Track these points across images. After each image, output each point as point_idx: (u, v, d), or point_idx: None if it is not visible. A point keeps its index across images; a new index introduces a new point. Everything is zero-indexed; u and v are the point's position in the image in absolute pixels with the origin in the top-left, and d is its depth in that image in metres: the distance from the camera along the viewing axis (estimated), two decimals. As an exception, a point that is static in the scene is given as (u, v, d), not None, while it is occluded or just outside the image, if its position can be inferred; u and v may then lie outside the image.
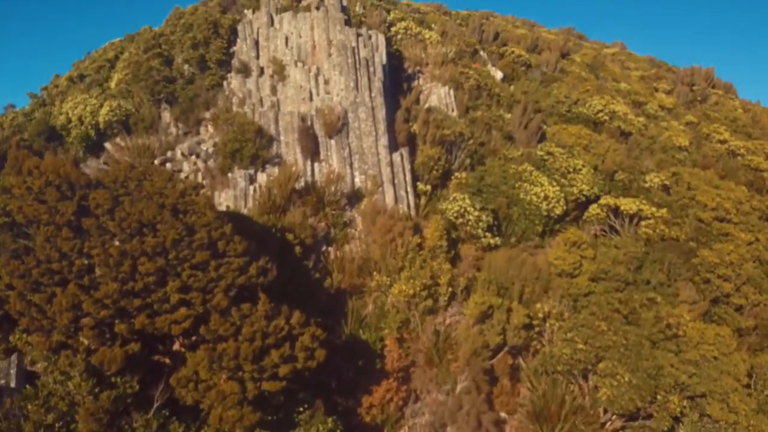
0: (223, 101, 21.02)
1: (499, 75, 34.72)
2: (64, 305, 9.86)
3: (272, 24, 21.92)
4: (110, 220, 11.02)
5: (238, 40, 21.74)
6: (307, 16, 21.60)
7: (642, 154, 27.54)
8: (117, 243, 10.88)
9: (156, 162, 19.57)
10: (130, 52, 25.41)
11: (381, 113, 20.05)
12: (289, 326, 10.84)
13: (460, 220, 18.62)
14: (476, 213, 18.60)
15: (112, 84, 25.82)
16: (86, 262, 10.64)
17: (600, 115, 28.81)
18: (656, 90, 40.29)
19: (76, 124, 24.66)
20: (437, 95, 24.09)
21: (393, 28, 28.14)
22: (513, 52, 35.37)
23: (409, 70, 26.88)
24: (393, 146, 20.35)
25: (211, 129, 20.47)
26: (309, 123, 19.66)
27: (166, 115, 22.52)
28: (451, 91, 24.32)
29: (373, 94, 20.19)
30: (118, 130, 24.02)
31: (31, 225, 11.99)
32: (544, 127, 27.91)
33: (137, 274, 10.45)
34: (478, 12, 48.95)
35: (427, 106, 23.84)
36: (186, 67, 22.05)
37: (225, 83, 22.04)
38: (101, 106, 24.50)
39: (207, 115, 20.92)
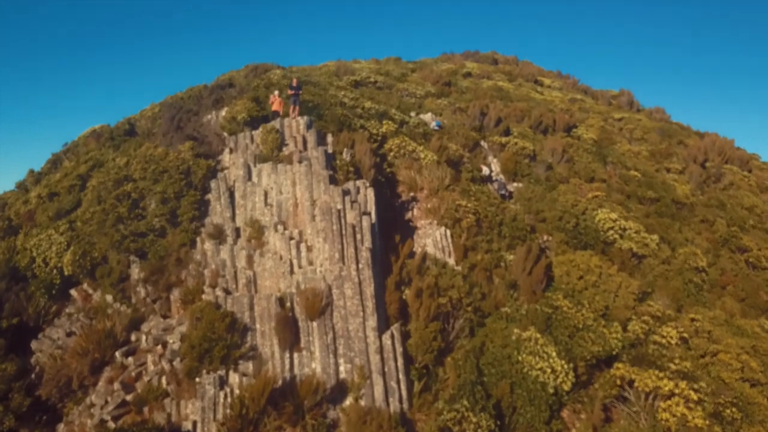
0: (195, 274, 18.96)
1: (497, 167, 32.77)
2: None
3: (250, 178, 19.87)
4: None
5: (212, 199, 19.71)
6: (289, 170, 19.54)
7: (656, 281, 25.41)
8: None
9: (117, 355, 17.53)
10: (99, 182, 23.43)
11: (369, 288, 17.99)
12: None
13: (457, 428, 16.54)
14: (475, 419, 16.52)
15: (81, 214, 23.84)
16: None
17: (610, 233, 26.70)
18: (668, 171, 38.11)
19: (40, 265, 22.75)
20: (432, 238, 22.01)
21: (386, 145, 26.11)
22: (516, 143, 33.26)
23: (403, 196, 24.82)
24: (383, 324, 18.29)
25: (180, 310, 18.40)
26: (289, 305, 17.62)
27: (135, 270, 20.50)
28: (448, 233, 22.24)
29: (360, 266, 18.14)
30: (84, 275, 22.11)
31: None
32: (550, 254, 25.86)
33: None
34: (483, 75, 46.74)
35: (421, 251, 21.78)
36: (156, 220, 20.02)
37: (199, 240, 19.98)
38: (68, 246, 22.61)
39: (176, 293, 18.86)
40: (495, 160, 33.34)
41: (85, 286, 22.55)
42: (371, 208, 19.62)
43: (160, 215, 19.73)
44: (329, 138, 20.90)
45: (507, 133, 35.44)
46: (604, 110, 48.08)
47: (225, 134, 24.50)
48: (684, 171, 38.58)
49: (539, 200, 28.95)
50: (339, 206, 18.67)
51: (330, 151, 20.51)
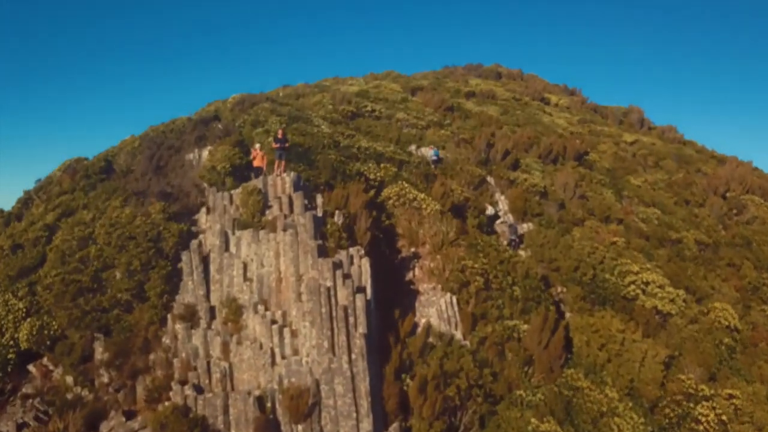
0: (163, 362, 16.43)
1: (506, 206, 30.30)
2: None
3: (227, 247, 17.36)
4: None
5: (184, 273, 17.19)
6: (272, 239, 17.02)
7: (684, 344, 22.86)
8: None
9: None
10: (63, 239, 20.91)
11: (364, 384, 15.49)
12: None
13: None
14: None
15: (44, 276, 21.31)
16: None
17: (631, 288, 24.19)
18: (687, 203, 35.56)
19: (-4, 336, 20.24)
20: (437, 308, 19.49)
21: (385, 191, 23.60)
22: (525, 180, 30.73)
23: (403, 251, 22.32)
24: (380, 424, 15.77)
25: (145, 409, 15.89)
26: (270, 405, 15.11)
27: (99, 349, 17.98)
28: (454, 300, 19.72)
29: (353, 356, 15.63)
30: (44, 349, 19.62)
31: None
32: (566, 313, 23.37)
33: None
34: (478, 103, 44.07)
35: (425, 323, 19.26)
36: (121, 294, 17.52)
37: (170, 318, 17.45)
38: (27, 314, 20.13)
39: (141, 387, 16.34)
40: (503, 198, 30.82)
41: (45, 360, 20.06)
42: (366, 281, 17.10)
43: (125, 290, 17.23)
44: (319, 200, 18.41)
45: (515, 166, 32.94)
46: (615, 132, 45.52)
47: (204, 184, 22.02)
48: (704, 203, 36.04)
49: (552, 247, 26.42)
50: (329, 283, 16.16)
51: (320, 214, 18.00)
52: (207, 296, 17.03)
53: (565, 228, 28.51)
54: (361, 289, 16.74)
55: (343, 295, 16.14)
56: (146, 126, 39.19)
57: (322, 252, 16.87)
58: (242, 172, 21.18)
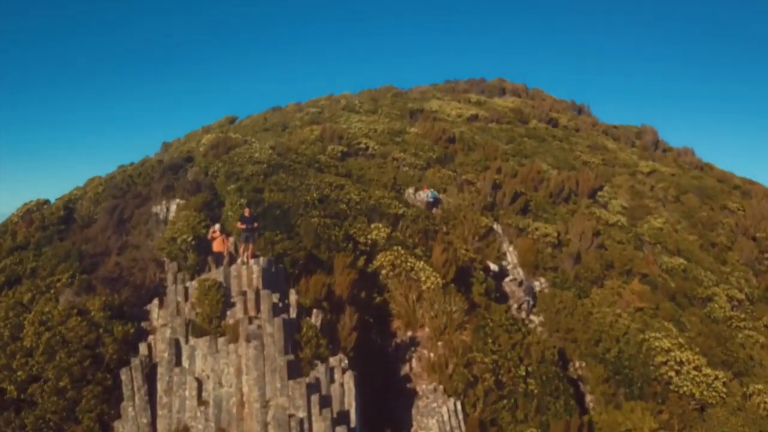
0: None
1: (515, 258, 27.06)
2: None
3: (179, 361, 14.07)
4: None
5: (125, 397, 13.89)
6: (233, 351, 13.73)
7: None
8: None
9: None
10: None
11: None
12: None
13: None
14: None
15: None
16: None
17: (663, 369, 20.90)
18: (713, 246, 32.27)
19: None
20: (438, 418, 16.19)
21: (377, 259, 20.31)
22: (537, 229, 27.44)
23: (398, 335, 19.03)
24: None
25: None
26: None
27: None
28: (458, 406, 16.43)
29: None
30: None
31: None
32: (588, 400, 20.12)
33: None
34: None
35: (422, 437, 15.96)
36: (50, 415, 14.21)
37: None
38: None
39: None
40: (512, 248, 27.54)
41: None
42: (350, 403, 13.81)
43: (53, 412, 13.95)
44: (293, 296, 15.10)
45: (525, 209, 29.63)
46: (630, 160, 42.15)
47: (164, 258, 18.75)
48: (732, 246, 32.74)
49: (569, 314, 23.15)
50: (302, 413, 12.88)
51: (293, 314, 14.72)
52: (152, 424, 13.72)
53: (582, 288, 25.23)
54: (343, 417, 13.45)
55: (319, 428, 12.85)
56: (126, 157, 35.81)
57: (295, 369, 13.56)
58: (209, 244, 17.89)
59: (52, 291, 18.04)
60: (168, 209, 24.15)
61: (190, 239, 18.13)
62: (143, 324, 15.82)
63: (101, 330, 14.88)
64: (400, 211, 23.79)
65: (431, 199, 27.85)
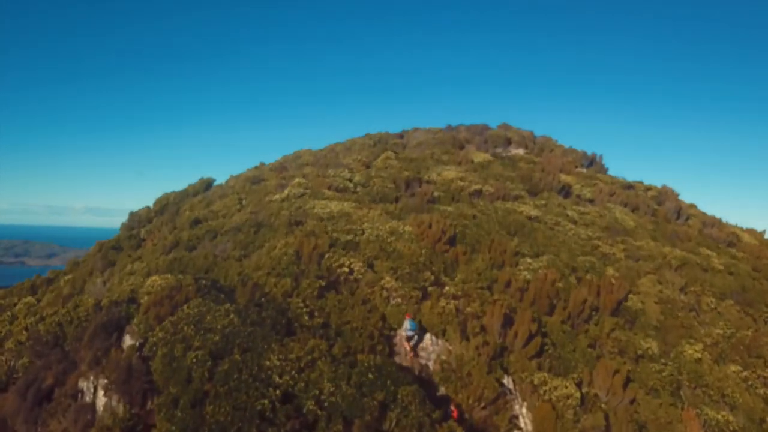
0: None
1: (530, 425, 22.25)
2: None
3: None
4: None
5: None
6: None
7: None
8: None
9: None
10: None
11: None
12: None
13: None
14: None
15: None
16: None
17: None
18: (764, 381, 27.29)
19: None
20: None
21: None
22: (556, 388, 22.54)
23: None
24: None
25: None
26: None
27: None
28: None
29: None
30: None
31: None
32: None
33: None
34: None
35: None
36: None
37: None
38: None
39: None
40: (525, 410, 22.67)
41: None
42: None
43: None
44: None
45: (540, 352, 24.69)
46: (655, 249, 37.12)
47: None
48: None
49: None
50: None
51: None
52: None
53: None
54: None
55: None
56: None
57: None
58: None
59: None
60: (95, 392, 19.33)
61: None
62: None
63: None
64: (389, 397, 18.86)
65: (410, 332, 23.19)
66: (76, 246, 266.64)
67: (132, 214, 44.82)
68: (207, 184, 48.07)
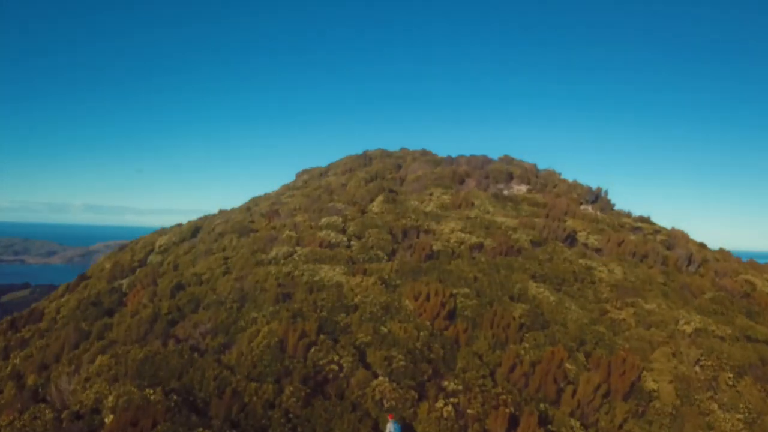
0: None
1: None
2: None
3: None
4: None
5: None
6: None
7: None
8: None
9: None
10: None
11: None
12: None
13: None
14: None
15: None
16: None
17: None
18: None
19: None
20: None
21: None
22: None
23: None
24: None
25: None
26: None
27: None
28: None
29: None
30: None
31: None
32: None
33: None
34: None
35: None
36: None
37: None
38: None
39: None
40: None
41: None
42: None
43: None
44: None
45: (548, 460, 22.48)
46: (667, 313, 34.90)
47: None
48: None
49: None
50: None
51: None
52: None
53: None
54: None
55: None
56: None
57: None
58: None
59: None
60: None
61: None
62: None
63: None
64: None
65: None
66: (75, 244, 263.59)
67: (115, 264, 42.61)
68: (194, 229, 45.82)
